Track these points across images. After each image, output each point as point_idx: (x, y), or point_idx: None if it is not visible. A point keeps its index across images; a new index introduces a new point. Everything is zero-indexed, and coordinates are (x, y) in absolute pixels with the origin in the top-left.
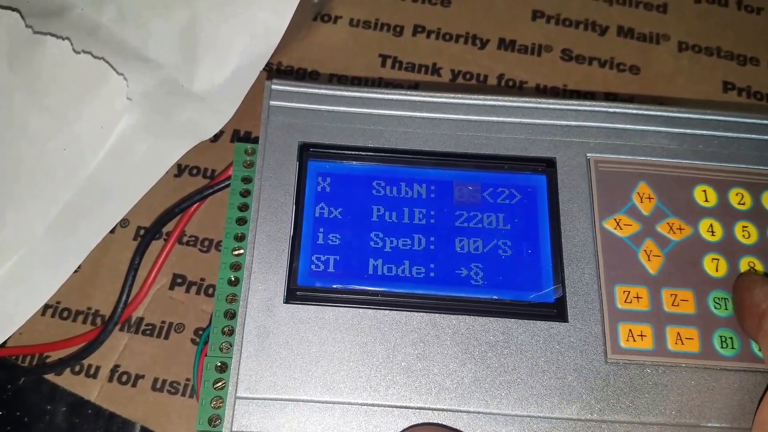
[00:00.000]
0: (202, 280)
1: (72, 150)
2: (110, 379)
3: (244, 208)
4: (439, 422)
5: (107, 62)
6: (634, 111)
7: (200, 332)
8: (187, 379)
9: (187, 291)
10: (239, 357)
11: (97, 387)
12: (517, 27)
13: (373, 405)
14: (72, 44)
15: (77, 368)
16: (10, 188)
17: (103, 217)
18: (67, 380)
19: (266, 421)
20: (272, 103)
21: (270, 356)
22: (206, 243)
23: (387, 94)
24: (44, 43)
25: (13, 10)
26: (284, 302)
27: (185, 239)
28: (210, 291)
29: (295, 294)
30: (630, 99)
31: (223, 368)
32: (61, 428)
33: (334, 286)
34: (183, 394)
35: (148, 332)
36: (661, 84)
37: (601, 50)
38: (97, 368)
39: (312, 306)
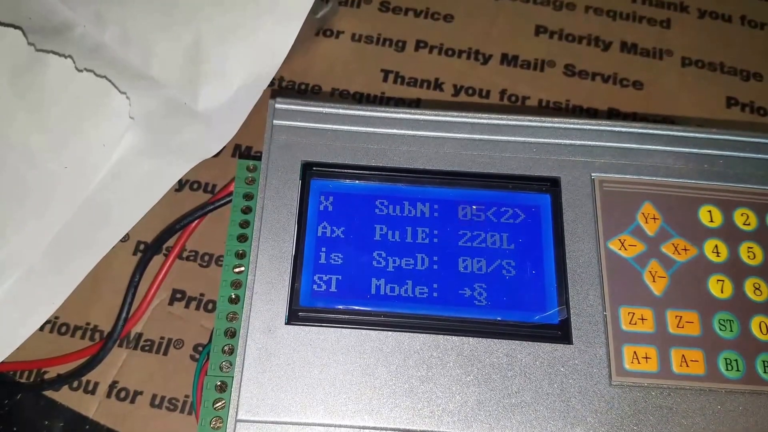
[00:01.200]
0: (202, 295)
1: (73, 168)
2: (108, 395)
3: (245, 224)
4: None
5: (110, 81)
6: (639, 130)
7: (200, 348)
8: (186, 396)
9: (187, 306)
10: (240, 379)
11: (96, 403)
12: (519, 42)
13: (376, 428)
14: (74, 62)
15: (75, 384)
16: (11, 206)
17: (104, 237)
18: (65, 396)
19: None
20: (275, 122)
21: (271, 378)
22: (206, 258)
23: (390, 113)
24: (46, 61)
25: (16, 27)
26: (286, 323)
27: (185, 254)
28: (210, 306)
29: (297, 315)
30: (633, 115)
31: (223, 388)
32: None
33: (337, 307)
34: (182, 411)
35: (147, 348)
36: (665, 99)
37: (605, 66)
38: (96, 384)
39: (314, 327)
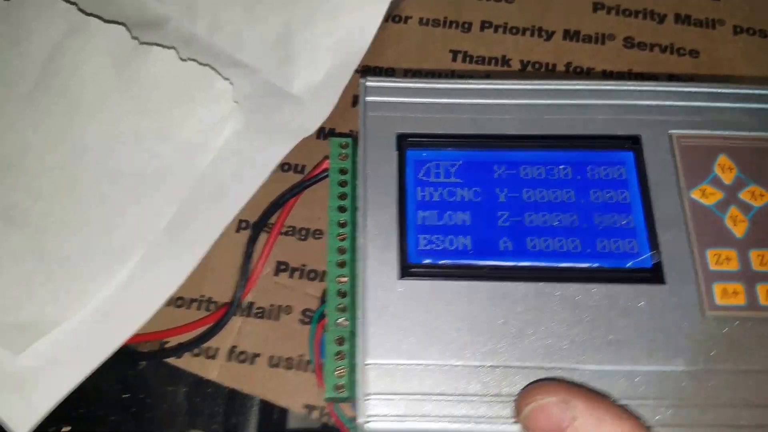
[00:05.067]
0: (303, 265)
1: (184, 154)
2: (228, 359)
3: (343, 197)
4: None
5: (212, 68)
6: (712, 90)
7: (308, 313)
8: (300, 355)
9: (291, 276)
10: (363, 328)
11: (216, 367)
12: (579, 19)
13: (493, 366)
14: (177, 53)
15: (196, 351)
16: (126, 192)
17: (218, 217)
18: (186, 362)
19: (393, 384)
20: (368, 99)
21: (390, 327)
22: (303, 232)
23: (477, 84)
24: (151, 52)
25: (119, 23)
26: (398, 278)
27: (285, 229)
28: (311, 275)
29: (407, 270)
30: (691, 80)
31: (342, 341)
32: (183, 407)
33: (443, 262)
34: (299, 369)
35: (259, 315)
36: (721, 66)
37: (661, 37)
38: (216, 350)
39: (423, 281)
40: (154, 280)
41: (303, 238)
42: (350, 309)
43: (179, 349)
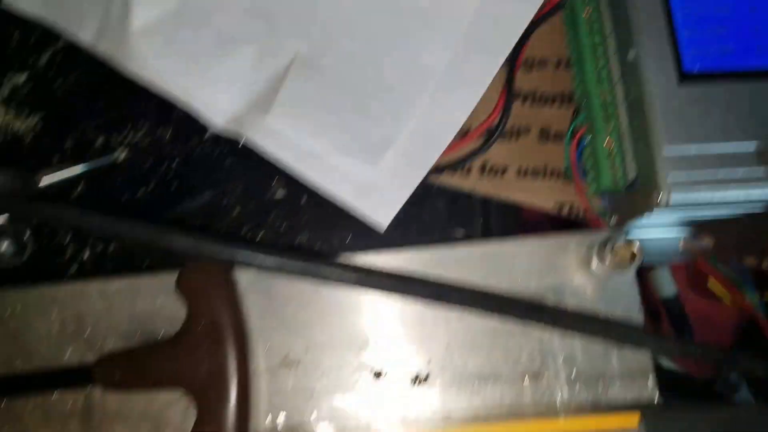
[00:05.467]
0: (544, 92)
1: (448, 9)
2: (481, 174)
3: (587, 24)
4: None
5: None
6: None
7: (547, 131)
8: (545, 165)
9: (525, 103)
10: (653, 126)
11: (471, 180)
12: None
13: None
14: None
15: (453, 170)
16: (411, 32)
17: (493, 57)
18: (445, 180)
19: (685, 167)
20: None
21: (675, 122)
22: (542, 64)
23: None
24: None
25: None
26: (677, 85)
27: (525, 62)
28: (545, 100)
29: (685, 77)
30: None
31: (611, 143)
32: (444, 215)
33: (717, 68)
34: (545, 176)
35: (504, 136)
36: None
37: None
38: (469, 168)
39: (700, 86)
40: (448, 111)
41: (543, 68)
42: (614, 118)
43: (439, 170)
